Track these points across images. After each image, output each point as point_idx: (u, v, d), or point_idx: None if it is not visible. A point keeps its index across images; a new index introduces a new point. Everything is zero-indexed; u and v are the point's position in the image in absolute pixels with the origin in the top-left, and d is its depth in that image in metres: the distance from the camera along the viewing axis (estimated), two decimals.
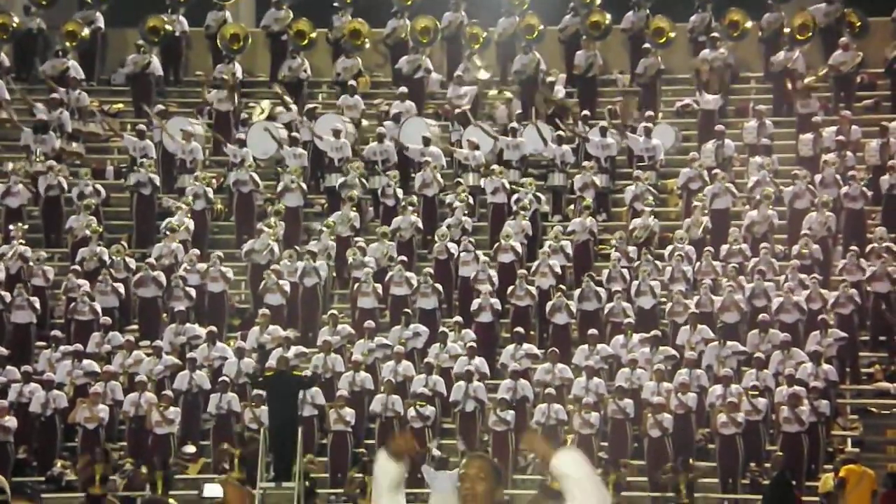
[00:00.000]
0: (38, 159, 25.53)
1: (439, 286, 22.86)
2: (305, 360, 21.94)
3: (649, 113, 26.23)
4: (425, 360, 21.81)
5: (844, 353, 21.99)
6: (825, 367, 21.16)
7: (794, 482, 19.48)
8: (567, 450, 5.47)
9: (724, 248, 23.41)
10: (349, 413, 20.91)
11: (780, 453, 19.93)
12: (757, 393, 20.73)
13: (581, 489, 5.28)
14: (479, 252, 23.46)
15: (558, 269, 23.16)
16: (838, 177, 24.16)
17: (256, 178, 25.14)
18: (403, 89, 26.80)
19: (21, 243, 23.64)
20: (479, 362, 21.54)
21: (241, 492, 7.17)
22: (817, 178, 24.19)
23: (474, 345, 21.79)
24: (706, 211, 24.09)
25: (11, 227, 23.93)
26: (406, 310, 22.57)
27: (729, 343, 21.65)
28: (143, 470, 20.35)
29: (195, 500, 19.05)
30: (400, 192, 24.80)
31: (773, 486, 19.43)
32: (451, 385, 21.35)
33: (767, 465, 20.23)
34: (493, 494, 5.37)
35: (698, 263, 23.16)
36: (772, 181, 24.36)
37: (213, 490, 13.39)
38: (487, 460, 5.50)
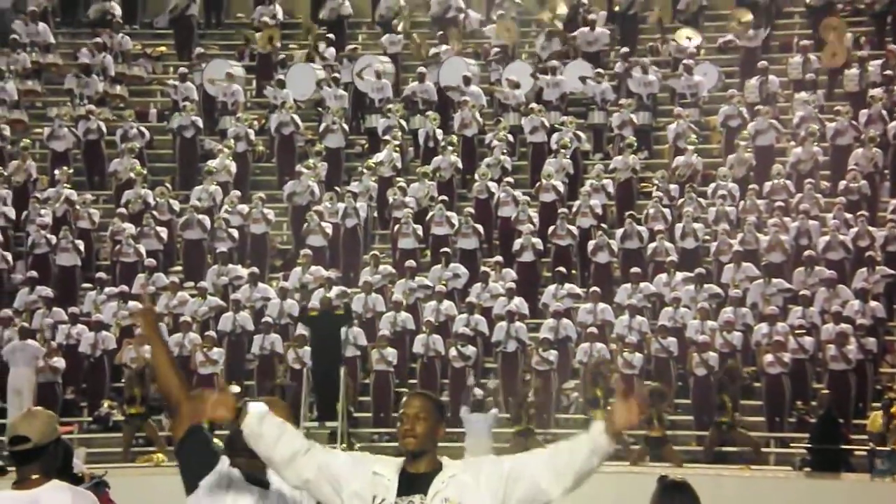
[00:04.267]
0: (81, 103, 25.66)
1: (479, 226, 22.81)
2: (347, 300, 21.97)
3: (692, 49, 25.90)
4: (467, 299, 21.79)
5: (892, 289, 21.72)
6: (872, 304, 20.85)
7: (841, 420, 19.34)
8: None
9: (768, 185, 23.15)
10: (391, 353, 20.93)
11: (827, 392, 19.76)
12: (803, 332, 20.53)
13: None
14: (519, 192, 23.35)
15: (599, 209, 23.02)
16: (884, 112, 23.80)
17: (297, 119, 25.12)
18: (454, 30, 26.60)
19: (66, 187, 23.77)
20: (519, 302, 21.47)
21: (287, 408, 7.11)
22: (863, 113, 23.85)
23: (514, 285, 21.74)
24: (749, 149, 23.81)
25: (57, 171, 24.07)
26: (446, 250, 22.54)
27: (774, 281, 21.38)
28: None
29: None
30: (440, 133, 24.70)
31: (820, 424, 19.27)
32: (493, 325, 21.34)
33: (814, 403, 20.05)
34: (435, 434, 5.14)
35: (742, 202, 22.93)
36: (816, 117, 24.05)
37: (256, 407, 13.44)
38: (429, 398, 5.23)
